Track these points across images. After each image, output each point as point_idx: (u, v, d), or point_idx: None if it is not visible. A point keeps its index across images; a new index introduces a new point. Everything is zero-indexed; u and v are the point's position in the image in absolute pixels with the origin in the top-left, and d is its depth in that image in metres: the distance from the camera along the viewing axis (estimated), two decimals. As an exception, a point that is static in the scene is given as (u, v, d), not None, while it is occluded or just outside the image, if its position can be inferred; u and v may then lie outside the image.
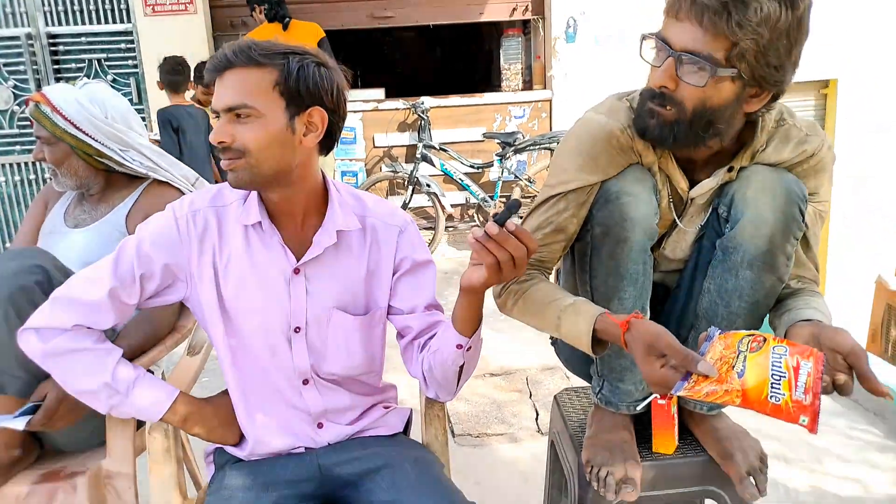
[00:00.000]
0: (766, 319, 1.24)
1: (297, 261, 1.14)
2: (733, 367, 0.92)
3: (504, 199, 4.94)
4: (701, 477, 1.27)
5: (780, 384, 0.90)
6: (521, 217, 1.27)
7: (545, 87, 5.35)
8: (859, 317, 4.29)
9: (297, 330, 1.16)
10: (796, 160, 1.16)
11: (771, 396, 0.90)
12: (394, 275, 1.21)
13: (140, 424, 1.42)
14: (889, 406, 2.28)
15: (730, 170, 1.16)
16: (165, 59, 4.02)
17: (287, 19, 4.16)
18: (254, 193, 1.14)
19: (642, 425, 1.31)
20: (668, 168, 1.19)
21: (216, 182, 4.07)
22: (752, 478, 1.21)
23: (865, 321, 4.16)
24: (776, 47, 0.98)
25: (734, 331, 0.97)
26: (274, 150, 1.06)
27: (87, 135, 1.53)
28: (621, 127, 1.16)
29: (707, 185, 1.18)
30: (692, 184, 1.20)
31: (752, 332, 0.96)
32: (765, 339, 0.94)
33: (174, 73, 3.96)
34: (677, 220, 1.23)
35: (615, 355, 1.25)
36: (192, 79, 4.12)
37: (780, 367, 0.91)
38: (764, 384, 0.90)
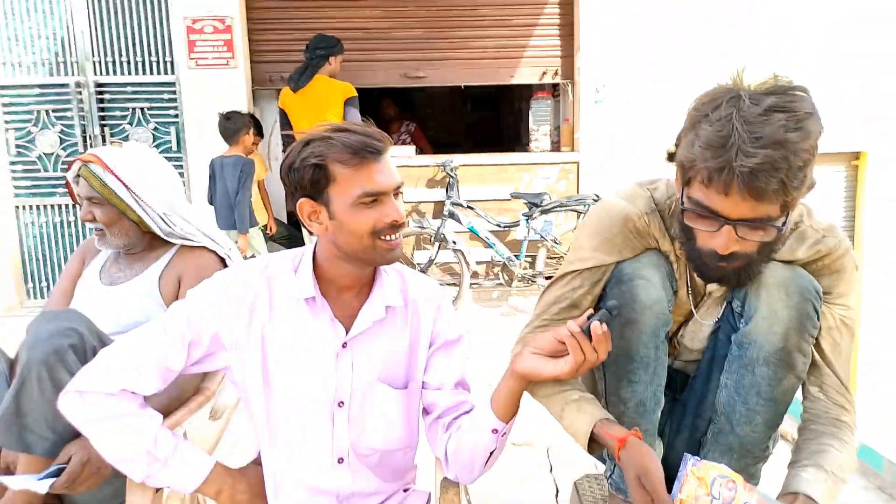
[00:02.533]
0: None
1: (346, 334, 1.16)
2: None
3: (529, 259, 4.94)
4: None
5: None
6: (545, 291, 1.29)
7: (573, 149, 5.41)
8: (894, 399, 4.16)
9: (340, 404, 1.17)
10: (811, 259, 1.16)
11: None
12: (429, 348, 1.22)
13: (158, 489, 1.42)
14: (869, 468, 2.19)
15: None
16: (222, 113, 4.33)
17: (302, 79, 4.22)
18: (307, 266, 1.16)
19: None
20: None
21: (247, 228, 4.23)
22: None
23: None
24: (811, 175, 1.00)
25: (706, 461, 1.00)
26: None
27: (136, 197, 1.57)
28: (639, 213, 1.19)
29: None
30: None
31: (721, 468, 0.99)
32: (735, 487, 0.97)
33: (225, 124, 4.25)
34: (693, 311, 1.23)
35: None
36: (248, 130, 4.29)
37: None
38: None
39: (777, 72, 1.02)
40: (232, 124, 4.26)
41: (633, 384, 1.19)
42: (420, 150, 6.01)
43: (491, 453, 1.15)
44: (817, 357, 1.18)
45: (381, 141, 1.10)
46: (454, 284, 4.78)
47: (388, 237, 1.10)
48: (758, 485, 1.26)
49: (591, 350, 1.02)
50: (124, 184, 1.56)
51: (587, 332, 1.02)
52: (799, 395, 1.22)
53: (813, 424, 1.18)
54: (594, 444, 1.12)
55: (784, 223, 1.01)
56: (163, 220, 1.61)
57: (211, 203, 4.38)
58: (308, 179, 1.10)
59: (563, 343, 1.04)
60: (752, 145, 0.94)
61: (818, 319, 1.14)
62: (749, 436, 1.18)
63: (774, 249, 1.09)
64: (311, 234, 1.20)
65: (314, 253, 1.19)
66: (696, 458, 1.01)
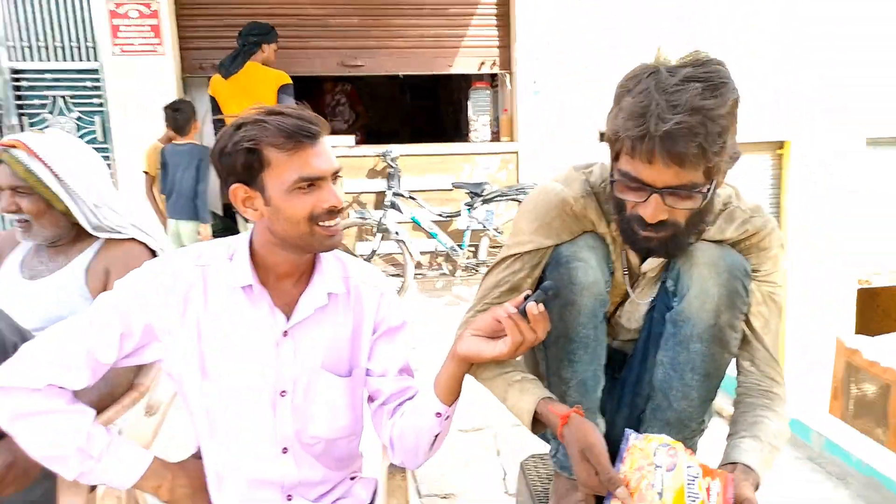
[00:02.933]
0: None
1: (286, 322, 1.12)
2: (653, 485, 0.99)
3: (472, 249, 4.96)
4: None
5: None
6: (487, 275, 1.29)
7: (512, 139, 5.45)
8: (822, 376, 4.38)
9: (282, 393, 1.13)
10: (739, 238, 1.20)
11: None
12: (372, 335, 1.21)
13: (92, 488, 1.35)
14: (850, 471, 2.31)
15: None
16: (169, 105, 4.21)
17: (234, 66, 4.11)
18: (243, 254, 1.12)
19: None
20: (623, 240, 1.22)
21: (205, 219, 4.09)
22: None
23: (827, 380, 4.25)
24: (732, 143, 1.05)
25: (647, 434, 1.03)
26: None
27: (64, 185, 1.46)
28: (575, 196, 1.21)
29: (656, 260, 1.22)
30: (645, 257, 1.23)
31: (662, 438, 1.02)
32: (676, 453, 1.00)
33: (174, 115, 4.13)
34: (630, 292, 1.25)
35: None
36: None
37: (694, 489, 0.99)
38: None
39: (698, 48, 1.06)
40: (182, 115, 4.13)
41: (574, 364, 1.21)
42: (356, 115, 5.92)
43: (436, 437, 1.14)
44: (748, 333, 1.22)
45: (316, 124, 1.07)
46: (398, 275, 4.75)
47: (326, 223, 1.07)
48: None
49: (529, 330, 1.03)
50: (52, 171, 1.45)
51: (524, 313, 1.02)
52: (732, 370, 1.26)
53: (747, 397, 1.22)
54: (538, 424, 1.13)
55: (710, 190, 1.04)
56: (92, 211, 1.51)
57: (163, 192, 4.22)
58: (241, 164, 1.05)
59: (502, 323, 1.04)
60: (670, 112, 0.98)
61: (748, 296, 1.18)
62: (686, 410, 1.21)
63: (703, 221, 1.11)
64: (246, 221, 1.15)
65: (250, 240, 1.14)
66: (637, 432, 1.03)
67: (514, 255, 1.24)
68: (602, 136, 1.15)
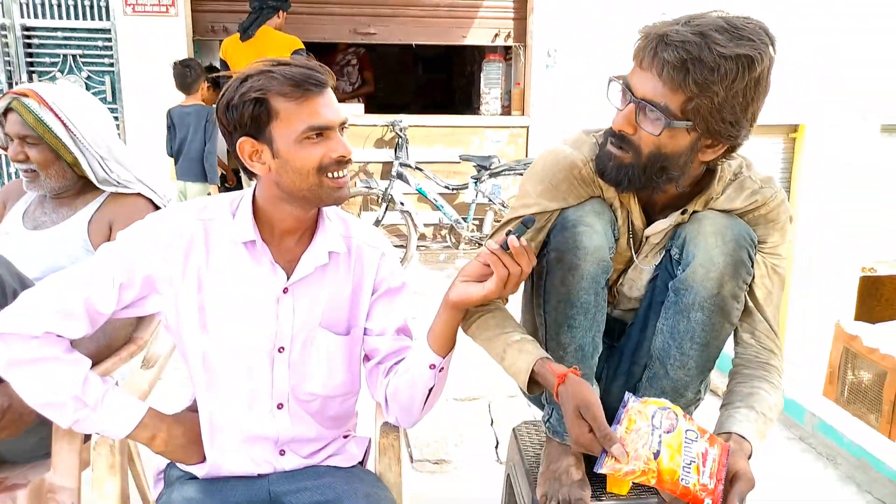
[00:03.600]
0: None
1: (287, 279, 1.13)
2: (649, 446, 0.99)
3: (476, 222, 4.96)
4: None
5: (690, 468, 0.98)
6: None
7: (523, 114, 5.41)
8: (820, 359, 4.38)
9: (280, 350, 1.14)
10: (748, 208, 1.19)
11: (682, 480, 0.97)
12: (371, 295, 1.21)
13: (87, 437, 1.38)
14: (840, 451, 2.33)
15: (683, 212, 1.20)
16: (179, 61, 4.18)
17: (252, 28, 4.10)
18: (246, 209, 1.12)
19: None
20: (629, 205, 1.22)
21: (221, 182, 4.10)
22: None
23: (824, 364, 4.25)
24: (731, 105, 1.02)
25: (647, 398, 1.03)
26: None
27: (73, 136, 1.46)
28: (584, 159, 1.19)
29: (660, 225, 1.21)
30: (650, 224, 1.22)
31: (663, 402, 1.02)
32: (676, 416, 1.01)
33: (183, 72, 4.11)
34: (634, 258, 1.25)
35: None
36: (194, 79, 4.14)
37: (691, 452, 0.99)
38: (677, 467, 0.97)
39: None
40: (191, 72, 4.11)
41: (573, 329, 1.21)
42: (363, 80, 5.88)
43: (430, 391, 1.15)
44: (750, 303, 1.21)
45: (323, 73, 1.06)
46: (401, 246, 4.76)
47: (334, 174, 1.07)
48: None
49: (513, 263, 1.03)
50: (62, 121, 1.45)
51: (506, 248, 1.02)
52: (727, 348, 1.26)
53: (745, 368, 1.22)
54: (534, 385, 1.13)
55: (678, 126, 1.03)
56: (100, 164, 1.51)
57: (170, 155, 4.23)
58: (248, 116, 1.04)
59: (489, 265, 1.04)
60: (681, 25, 1.00)
61: (752, 267, 1.16)
62: (682, 379, 1.21)
63: (666, 172, 1.09)
64: (250, 178, 1.15)
65: (254, 196, 1.14)
66: (637, 396, 1.03)
67: (519, 217, 1.22)
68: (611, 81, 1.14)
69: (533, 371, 1.10)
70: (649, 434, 0.99)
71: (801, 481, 2.26)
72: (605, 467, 0.98)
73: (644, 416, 1.00)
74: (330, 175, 1.07)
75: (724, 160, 1.15)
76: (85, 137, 1.48)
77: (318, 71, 1.05)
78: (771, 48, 1.01)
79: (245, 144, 1.07)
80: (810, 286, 5.88)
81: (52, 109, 1.44)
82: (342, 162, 1.07)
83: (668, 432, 0.99)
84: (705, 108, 1.01)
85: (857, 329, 4.01)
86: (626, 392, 1.05)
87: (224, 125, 1.08)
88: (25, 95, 1.44)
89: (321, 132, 1.05)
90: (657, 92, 1.02)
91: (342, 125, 1.09)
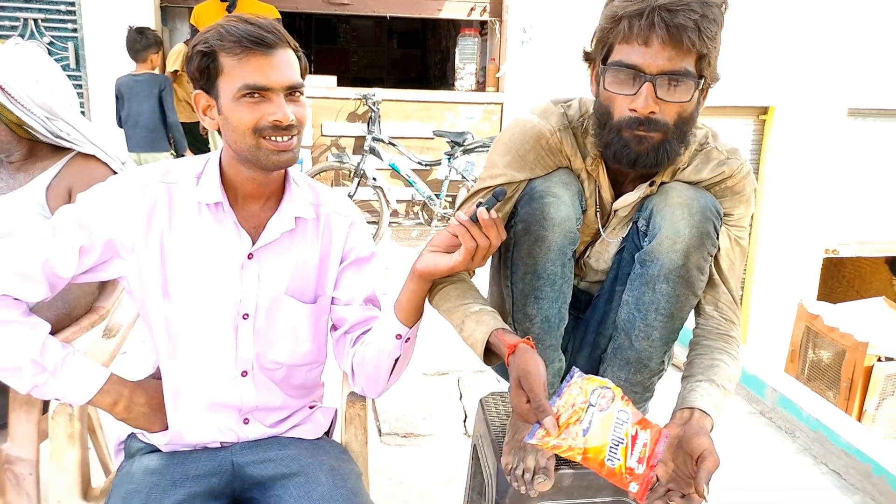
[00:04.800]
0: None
1: (252, 244, 1.12)
2: (580, 421, 0.97)
3: (449, 199, 4.94)
4: (615, 486, 1.29)
5: (617, 449, 0.96)
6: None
7: (498, 90, 5.39)
8: (782, 338, 4.48)
9: (245, 316, 1.13)
10: (715, 180, 1.20)
11: (608, 460, 0.96)
12: (340, 264, 1.20)
13: (46, 408, 1.35)
14: (799, 425, 2.39)
15: (651, 184, 1.20)
16: (133, 26, 4.08)
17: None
18: (212, 171, 1.11)
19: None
20: (598, 177, 1.21)
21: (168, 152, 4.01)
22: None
23: (786, 342, 4.36)
24: (719, 49, 1.07)
25: (593, 376, 1.02)
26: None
27: (10, 98, 1.43)
28: (551, 129, 1.18)
29: (629, 198, 1.21)
30: (618, 195, 1.22)
31: (605, 381, 1.01)
32: (613, 397, 0.99)
33: (135, 37, 4.02)
34: (601, 231, 1.25)
35: None
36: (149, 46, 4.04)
37: (620, 433, 0.97)
38: (604, 447, 0.96)
39: None
40: (144, 39, 3.99)
41: (540, 301, 1.21)
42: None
43: (396, 361, 1.14)
44: (715, 275, 1.23)
45: (273, 34, 1.04)
46: (374, 222, 4.73)
47: (273, 138, 1.05)
48: (652, 398, 1.32)
49: (482, 236, 1.02)
50: None
51: (476, 220, 1.02)
52: (688, 322, 1.27)
53: (705, 340, 1.24)
54: (491, 356, 1.13)
55: (699, 87, 1.06)
56: (43, 124, 1.47)
57: (120, 126, 4.10)
58: (197, 69, 1.05)
59: (458, 236, 1.04)
60: None
61: (717, 238, 1.17)
62: (646, 350, 1.22)
63: (689, 128, 1.11)
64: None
65: (220, 158, 1.13)
66: (583, 372, 1.02)
67: (487, 188, 1.21)
68: (586, 56, 1.14)
69: (489, 342, 1.10)
70: (584, 411, 0.98)
71: (761, 454, 2.32)
72: (535, 438, 0.97)
73: (584, 392, 0.99)
74: (267, 138, 1.05)
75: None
76: (22, 98, 1.44)
77: (269, 30, 1.03)
78: None
79: (199, 98, 1.09)
80: (776, 266, 6.00)
81: None
82: (279, 127, 1.04)
83: (601, 411, 0.98)
84: (713, 58, 1.06)
85: (818, 309, 4.12)
86: (574, 367, 1.04)
87: (190, 80, 1.09)
88: None
89: (260, 93, 1.03)
90: (674, 60, 1.02)
91: (291, 89, 1.05)
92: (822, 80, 5.74)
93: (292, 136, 1.06)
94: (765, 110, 5.87)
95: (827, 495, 2.10)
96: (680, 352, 2.28)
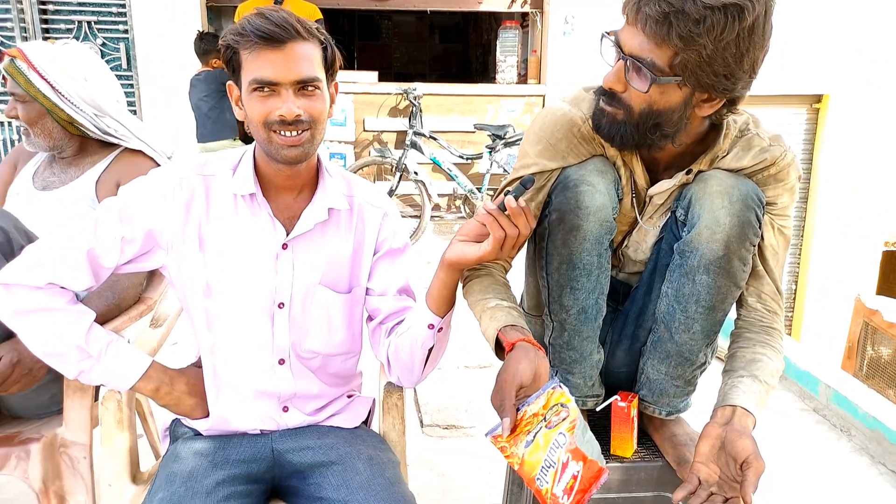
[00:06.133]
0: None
1: (286, 235, 1.13)
2: (530, 432, 0.96)
3: (490, 192, 4.92)
4: (657, 482, 1.26)
5: (548, 472, 0.95)
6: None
7: (539, 82, 5.33)
8: (839, 333, 4.32)
9: (280, 306, 1.15)
10: (757, 168, 1.15)
11: (538, 479, 0.95)
12: (373, 255, 1.21)
13: (97, 395, 1.40)
14: (855, 423, 2.30)
15: (688, 172, 1.16)
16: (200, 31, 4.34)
17: None
18: (247, 164, 1.13)
19: (603, 427, 1.30)
20: (632, 164, 1.19)
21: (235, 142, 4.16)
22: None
23: (843, 338, 4.20)
24: (723, 57, 0.97)
25: (564, 390, 0.99)
26: (325, 123, 1.11)
27: (61, 96, 1.49)
28: (583, 116, 1.16)
29: (665, 185, 1.18)
30: (654, 183, 1.19)
31: (569, 400, 0.98)
32: (565, 418, 0.97)
33: (197, 43, 4.27)
34: (638, 218, 1.22)
35: (564, 346, 1.24)
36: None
37: (553, 456, 0.95)
38: (537, 464, 0.95)
39: None
40: (203, 43, 4.22)
41: (576, 291, 1.19)
42: None
43: (429, 351, 1.14)
44: (759, 266, 1.18)
45: (284, 29, 1.04)
46: (415, 216, 4.75)
47: (282, 132, 1.06)
48: (694, 391, 1.29)
49: (510, 224, 1.00)
50: (48, 81, 1.47)
51: (504, 209, 1.00)
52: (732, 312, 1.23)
53: (747, 332, 1.20)
54: (500, 354, 1.12)
55: (660, 78, 0.99)
56: (92, 122, 1.52)
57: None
58: (226, 61, 1.09)
59: (486, 225, 1.02)
60: None
61: (760, 228, 1.13)
62: (687, 343, 1.19)
63: (660, 128, 1.06)
64: None
65: (255, 151, 1.15)
66: (560, 383, 1.00)
67: (520, 178, 1.20)
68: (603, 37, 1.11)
69: (498, 338, 1.09)
70: (536, 423, 0.97)
71: (814, 452, 2.24)
72: (490, 434, 0.97)
73: (547, 404, 0.98)
74: (276, 132, 1.06)
75: (727, 115, 1.11)
76: (72, 97, 1.49)
77: (280, 26, 1.03)
78: None
79: (232, 88, 1.12)
80: (832, 259, 5.79)
81: (36, 70, 1.47)
82: (286, 122, 1.05)
83: (548, 427, 0.96)
84: (693, 62, 0.97)
85: (877, 304, 3.95)
86: (554, 376, 1.02)
87: None
88: (16, 56, 1.48)
89: (269, 87, 1.04)
90: (643, 48, 0.98)
91: (301, 83, 1.05)
92: (879, 67, 5.49)
93: (303, 131, 1.07)
94: (819, 98, 5.65)
95: (886, 496, 2.02)
96: (723, 343, 2.22)
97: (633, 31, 0.99)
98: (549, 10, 5.15)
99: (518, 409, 0.98)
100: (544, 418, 0.96)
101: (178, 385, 1.17)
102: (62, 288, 1.09)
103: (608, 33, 1.05)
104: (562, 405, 0.97)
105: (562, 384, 1.00)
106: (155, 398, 1.16)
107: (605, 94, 1.07)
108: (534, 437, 0.96)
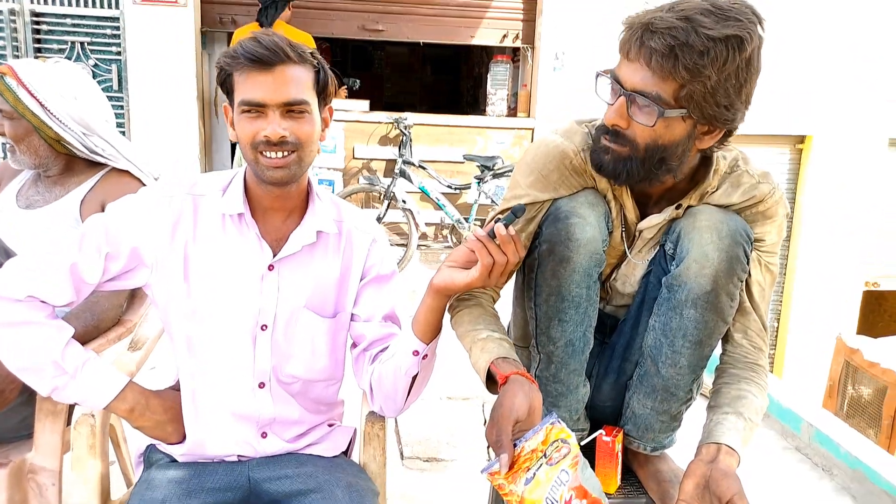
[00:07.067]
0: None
1: (273, 256, 1.13)
2: (529, 469, 0.95)
3: (478, 222, 4.93)
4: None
5: None
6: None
7: (529, 115, 5.40)
8: (820, 372, 4.34)
9: (263, 328, 1.13)
10: (746, 204, 1.17)
11: None
12: (360, 281, 1.20)
13: (69, 421, 1.36)
14: (837, 463, 2.30)
15: (677, 207, 1.17)
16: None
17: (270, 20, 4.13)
18: (237, 184, 1.13)
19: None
20: (622, 198, 1.19)
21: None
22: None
23: (824, 376, 4.21)
24: (725, 88, 0.99)
25: (563, 426, 0.98)
26: (314, 146, 1.11)
27: (50, 114, 1.48)
28: (575, 149, 1.17)
29: (654, 219, 1.18)
30: (644, 217, 1.20)
31: (570, 435, 0.97)
32: (566, 455, 0.96)
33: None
34: (627, 252, 1.22)
35: (551, 379, 1.23)
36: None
37: (556, 494, 0.94)
38: (538, 503, 0.93)
39: None
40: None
41: (564, 323, 1.18)
42: None
43: (414, 379, 1.13)
44: (746, 302, 1.19)
45: (273, 52, 1.05)
46: (402, 245, 4.74)
47: (267, 154, 1.07)
48: (679, 427, 1.28)
49: (499, 252, 1.00)
50: (37, 99, 1.47)
51: (493, 236, 1.00)
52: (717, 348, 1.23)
53: (732, 368, 1.20)
54: (493, 385, 1.10)
55: (666, 111, 1.00)
56: (80, 140, 1.51)
57: None
58: (220, 82, 1.11)
59: (475, 251, 1.02)
60: (664, 12, 0.98)
61: (748, 264, 1.14)
62: (673, 378, 1.19)
63: (665, 163, 1.07)
64: None
65: (245, 171, 1.15)
66: (558, 418, 0.99)
67: (509, 208, 1.21)
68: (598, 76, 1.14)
69: (490, 371, 1.08)
70: (536, 459, 0.95)
71: (796, 492, 2.23)
72: (487, 471, 0.95)
73: (546, 440, 0.96)
74: (262, 153, 1.07)
75: (718, 150, 1.12)
76: (61, 115, 1.48)
77: (268, 48, 1.05)
78: (759, 27, 0.99)
79: (228, 110, 1.13)
80: (813, 298, 5.84)
81: (26, 87, 1.46)
82: (271, 143, 1.06)
83: (549, 464, 0.95)
84: (699, 93, 0.99)
85: (858, 343, 3.97)
86: (551, 411, 1.01)
87: None
88: (5, 73, 1.47)
89: (256, 108, 1.06)
90: (647, 82, 1.00)
91: (289, 106, 1.06)
92: (861, 109, 5.62)
93: (289, 153, 1.07)
94: (802, 139, 5.76)
95: (867, 538, 2.00)
96: (707, 379, 2.22)
97: (636, 67, 1.00)
98: (540, 45, 5.24)
99: (515, 445, 0.96)
100: (544, 454, 0.95)
101: (153, 407, 1.14)
102: (42, 302, 1.07)
103: (604, 72, 1.06)
104: (562, 441, 0.96)
105: (560, 419, 0.98)
106: (129, 419, 1.13)
107: (608, 131, 1.07)
108: (534, 473, 0.94)
